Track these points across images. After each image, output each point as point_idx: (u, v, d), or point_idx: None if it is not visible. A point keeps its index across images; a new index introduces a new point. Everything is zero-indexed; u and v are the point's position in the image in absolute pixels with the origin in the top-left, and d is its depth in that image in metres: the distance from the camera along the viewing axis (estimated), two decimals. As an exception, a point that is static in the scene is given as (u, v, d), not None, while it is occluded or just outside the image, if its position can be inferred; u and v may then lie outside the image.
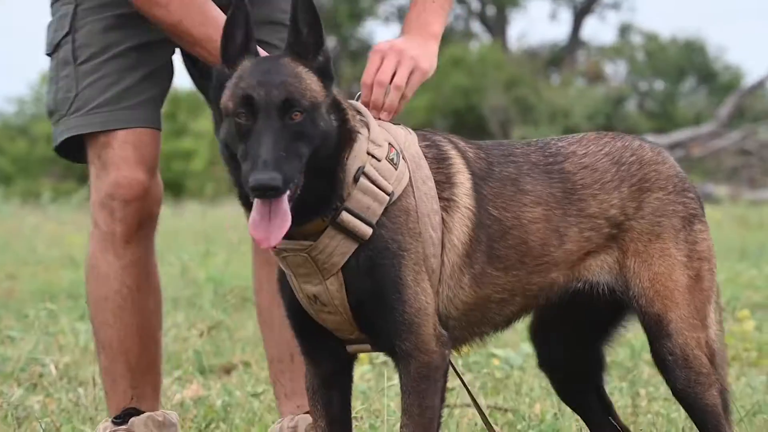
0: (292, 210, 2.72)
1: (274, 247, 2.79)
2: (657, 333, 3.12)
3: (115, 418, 3.49)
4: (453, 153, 3.03)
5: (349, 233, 2.84)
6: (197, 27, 3.19)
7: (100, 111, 3.40)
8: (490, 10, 39.38)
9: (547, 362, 3.41)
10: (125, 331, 3.46)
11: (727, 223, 14.37)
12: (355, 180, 2.85)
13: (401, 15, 38.65)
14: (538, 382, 4.82)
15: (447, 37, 35.88)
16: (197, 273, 9.01)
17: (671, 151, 22.40)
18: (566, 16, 53.21)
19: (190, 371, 5.31)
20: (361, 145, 2.88)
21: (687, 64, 33.87)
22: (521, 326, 6.19)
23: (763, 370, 5.20)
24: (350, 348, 3.00)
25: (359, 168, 2.86)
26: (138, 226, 3.45)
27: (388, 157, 2.91)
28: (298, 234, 2.83)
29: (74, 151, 3.48)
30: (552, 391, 4.35)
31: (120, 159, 3.40)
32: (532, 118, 29.55)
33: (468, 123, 29.60)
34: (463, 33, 39.07)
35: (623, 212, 3.13)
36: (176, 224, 15.03)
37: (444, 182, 2.98)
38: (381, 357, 5.16)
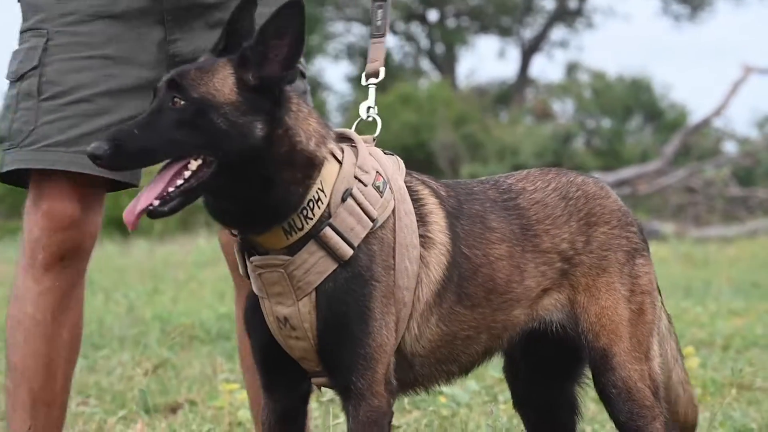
0: (235, 216, 2.81)
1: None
2: (602, 367, 3.15)
3: None
4: (425, 193, 3.06)
5: (330, 251, 2.86)
6: None
7: (53, 150, 3.38)
8: (439, 48, 39.62)
9: (519, 403, 3.43)
10: (32, 357, 3.42)
11: (672, 261, 14.48)
12: (343, 200, 2.88)
13: (350, 53, 38.80)
14: (484, 419, 4.83)
15: (396, 75, 36.01)
16: (144, 311, 8.94)
17: (618, 188, 22.58)
18: (514, 54, 53.67)
19: (134, 410, 5.26)
20: (347, 169, 2.91)
21: (633, 102, 34.21)
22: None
23: (708, 407, 5.23)
24: (315, 381, 2.99)
25: (347, 189, 2.89)
26: (61, 256, 3.44)
27: (374, 184, 2.93)
28: (275, 249, 2.85)
29: (19, 177, 3.46)
30: (498, 429, 4.36)
31: (56, 190, 3.40)
32: (481, 155, 29.69)
33: (417, 160, 29.68)
34: (412, 71, 39.25)
35: (573, 246, 3.17)
36: (124, 262, 14.92)
37: (418, 221, 3.01)
38: (328, 394, 5.15)
